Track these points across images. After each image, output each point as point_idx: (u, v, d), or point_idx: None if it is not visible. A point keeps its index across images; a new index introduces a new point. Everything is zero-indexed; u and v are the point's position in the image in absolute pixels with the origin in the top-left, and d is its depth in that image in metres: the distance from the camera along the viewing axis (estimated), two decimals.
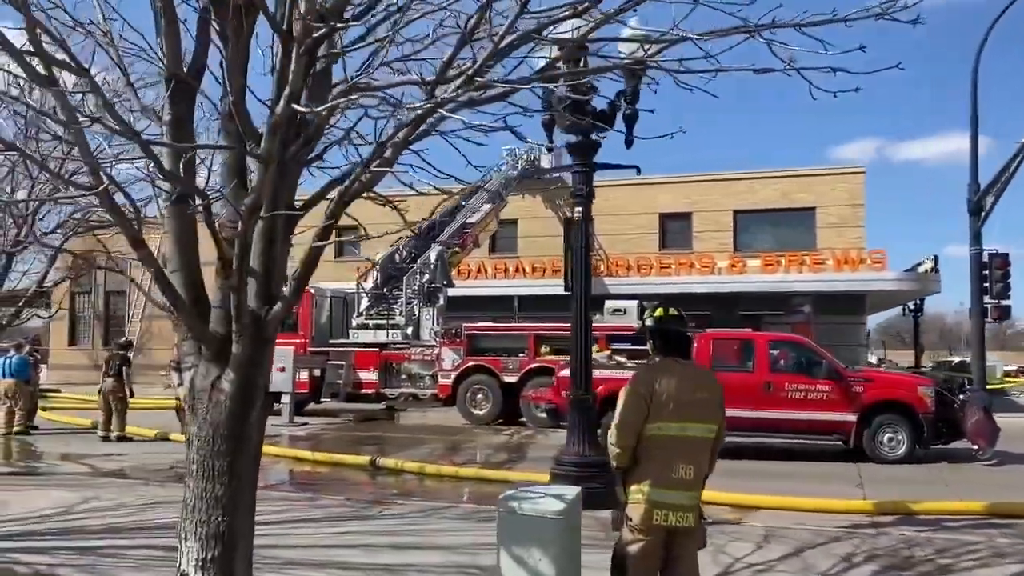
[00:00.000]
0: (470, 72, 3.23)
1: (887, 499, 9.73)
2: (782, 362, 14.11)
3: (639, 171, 8.50)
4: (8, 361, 16.10)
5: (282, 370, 18.77)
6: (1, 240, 10.91)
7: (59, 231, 11.52)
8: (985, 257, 23.93)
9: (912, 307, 36.59)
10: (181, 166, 3.81)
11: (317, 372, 20.26)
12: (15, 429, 16.13)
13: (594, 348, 18.10)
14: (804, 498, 9.58)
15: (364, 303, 21.67)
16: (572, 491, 4.39)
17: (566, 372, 14.76)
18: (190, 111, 4.02)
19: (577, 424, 8.01)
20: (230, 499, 3.79)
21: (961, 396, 14.29)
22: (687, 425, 4.62)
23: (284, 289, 3.84)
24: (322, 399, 20.46)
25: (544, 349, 18.72)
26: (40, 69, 3.30)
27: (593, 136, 8.14)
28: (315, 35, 2.93)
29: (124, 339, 17.12)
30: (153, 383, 31.92)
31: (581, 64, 7.62)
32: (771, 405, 13.66)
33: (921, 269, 27.61)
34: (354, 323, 21.37)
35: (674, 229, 30.31)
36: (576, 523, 4.33)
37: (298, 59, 2.94)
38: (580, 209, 8.17)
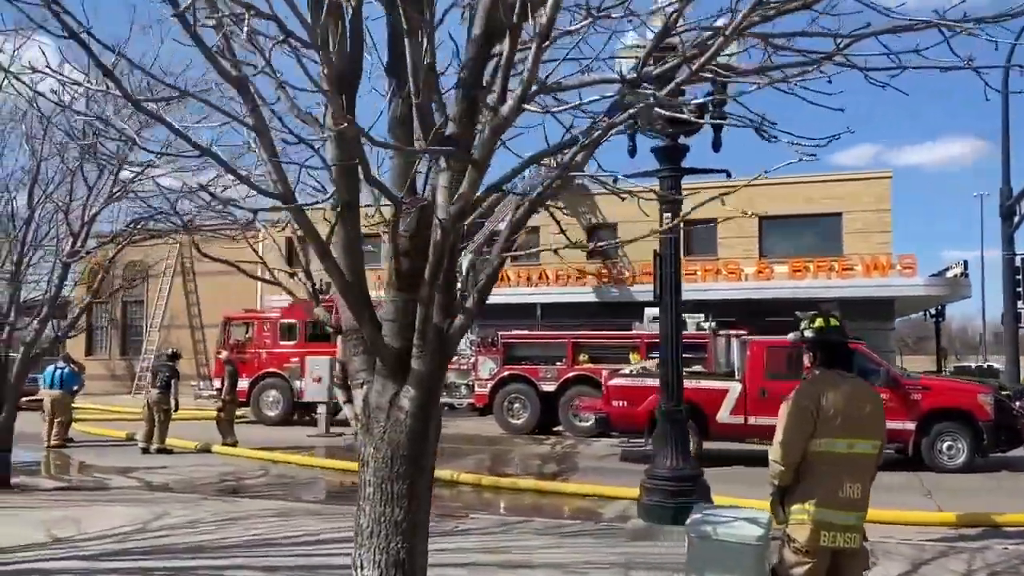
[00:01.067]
0: (695, 67, 3.02)
1: (969, 511, 9.53)
2: None
3: (729, 175, 8.29)
4: (60, 372, 15.83)
5: (318, 380, 18.56)
6: (59, 251, 10.74)
7: (112, 243, 11.34)
8: (1018, 262, 23.86)
9: (933, 312, 36.39)
10: (341, 172, 3.62)
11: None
12: (53, 443, 15.89)
13: (633, 357, 18.02)
14: (893, 510, 9.34)
15: None
16: (763, 515, 4.17)
17: (616, 381, 14.57)
18: (354, 113, 3.80)
19: (669, 436, 7.78)
20: (410, 523, 3.56)
21: (1018, 403, 14.09)
22: (854, 441, 4.41)
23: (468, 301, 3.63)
24: None
25: (582, 357, 18.49)
26: (231, 68, 3.10)
27: (681, 140, 7.94)
28: (570, 28, 2.73)
29: (172, 350, 16.85)
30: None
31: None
32: None
33: (950, 274, 27.39)
34: None
35: (699, 235, 30.04)
36: (768, 548, 4.11)
37: (538, 52, 2.73)
38: (670, 215, 7.94)
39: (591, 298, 29.79)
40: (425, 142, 3.44)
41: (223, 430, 16.06)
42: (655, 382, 14.21)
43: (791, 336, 4.89)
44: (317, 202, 3.43)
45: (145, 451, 15.33)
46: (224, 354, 17.65)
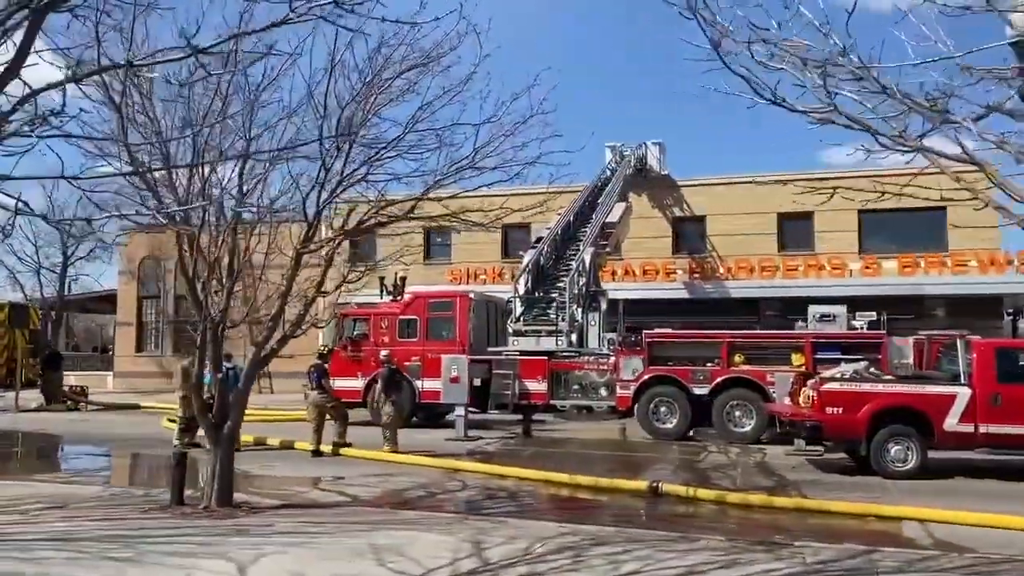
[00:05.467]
0: None
1: None
2: None
3: None
4: (233, 372, 14.61)
5: (455, 380, 17.42)
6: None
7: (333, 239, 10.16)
8: None
9: (1011, 312, 35.66)
10: None
11: (478, 382, 18.79)
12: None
13: (795, 358, 16.91)
14: None
15: (519, 308, 20.27)
16: None
17: (831, 386, 13.31)
18: None
19: None
20: None
21: None
22: None
23: None
24: (490, 411, 19.03)
25: (737, 358, 17.36)
26: None
27: None
28: None
29: (320, 346, 15.80)
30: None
31: None
32: None
33: None
34: (511, 329, 19.96)
35: (793, 230, 29.03)
36: None
37: None
38: None
39: (682, 294, 28.74)
40: None
41: (387, 436, 14.94)
42: (873, 387, 13.20)
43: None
44: None
45: (318, 454, 14.61)
46: (384, 352, 16.44)
